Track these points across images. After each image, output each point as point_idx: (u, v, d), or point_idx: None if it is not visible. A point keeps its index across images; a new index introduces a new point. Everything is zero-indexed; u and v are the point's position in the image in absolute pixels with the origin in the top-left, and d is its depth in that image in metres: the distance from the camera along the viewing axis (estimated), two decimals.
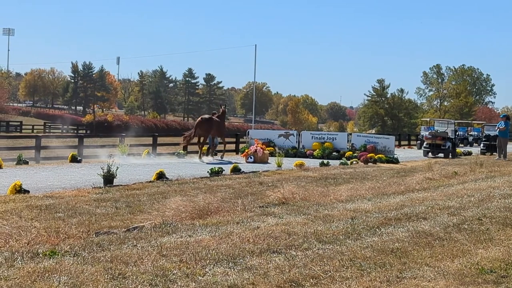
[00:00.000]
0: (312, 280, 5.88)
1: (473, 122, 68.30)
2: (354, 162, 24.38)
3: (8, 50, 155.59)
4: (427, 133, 36.43)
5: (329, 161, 23.57)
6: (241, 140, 32.82)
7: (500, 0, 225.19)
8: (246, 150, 25.30)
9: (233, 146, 31.54)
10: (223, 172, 17.34)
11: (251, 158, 24.24)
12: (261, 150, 24.61)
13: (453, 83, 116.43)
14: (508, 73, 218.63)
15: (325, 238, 7.64)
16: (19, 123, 72.71)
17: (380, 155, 26.32)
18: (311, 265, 6.32)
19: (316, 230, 8.09)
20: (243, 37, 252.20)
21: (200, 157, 24.38)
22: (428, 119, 55.06)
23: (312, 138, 30.23)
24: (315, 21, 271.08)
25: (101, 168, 14.30)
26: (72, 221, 9.19)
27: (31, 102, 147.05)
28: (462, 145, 46.26)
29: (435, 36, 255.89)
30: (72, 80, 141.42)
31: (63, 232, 8.14)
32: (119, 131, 57.55)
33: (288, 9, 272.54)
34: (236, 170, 18.21)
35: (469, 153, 34.48)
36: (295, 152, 28.47)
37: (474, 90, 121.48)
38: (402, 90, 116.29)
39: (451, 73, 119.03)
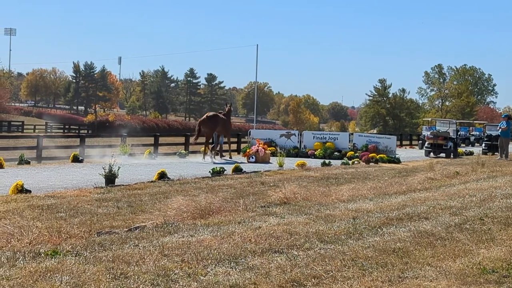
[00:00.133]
0: (314, 280, 5.88)
1: (474, 122, 68.29)
2: (355, 162, 24.37)
3: (10, 50, 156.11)
4: (428, 133, 36.41)
5: (331, 161, 23.57)
6: (242, 140, 32.83)
7: (502, 0, 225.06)
8: (248, 150, 25.30)
9: (234, 146, 31.54)
10: (225, 172, 17.35)
11: (252, 158, 24.23)
12: (263, 150, 24.61)
13: (454, 83, 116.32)
14: (509, 73, 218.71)
15: (327, 238, 7.64)
16: (20, 123, 72.71)
17: (381, 155, 26.31)
18: (313, 265, 6.32)
19: (318, 230, 8.08)
20: (245, 37, 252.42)
21: (203, 157, 24.34)
22: (429, 119, 55.04)
23: (313, 138, 30.22)
24: (316, 21, 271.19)
25: (103, 168, 14.31)
26: (74, 221, 9.19)
27: (33, 102, 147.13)
28: (464, 145, 46.24)
29: (436, 36, 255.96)
30: (74, 80, 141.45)
31: (65, 232, 8.15)
32: (121, 131, 57.63)
33: (290, 9, 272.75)
34: (237, 170, 18.21)
35: (471, 153, 34.47)
36: (296, 152, 28.47)
37: (476, 90, 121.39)
38: (403, 90, 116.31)
39: (453, 73, 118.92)
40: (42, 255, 6.41)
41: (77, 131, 69.55)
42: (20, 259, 6.21)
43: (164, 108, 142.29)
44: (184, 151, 26.54)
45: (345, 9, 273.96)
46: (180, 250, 6.76)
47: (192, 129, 72.26)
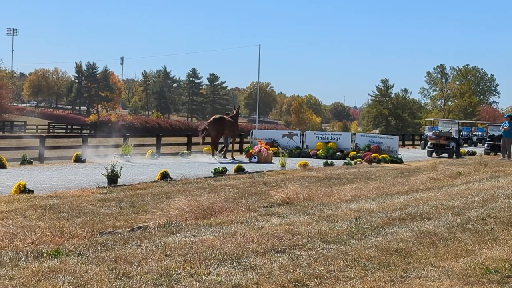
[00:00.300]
0: (316, 280, 5.88)
1: (477, 122, 68.33)
2: (358, 162, 24.38)
3: (12, 50, 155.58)
4: (431, 133, 36.44)
5: (333, 161, 23.58)
6: (245, 140, 32.83)
7: (505, 0, 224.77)
8: (250, 150, 25.32)
9: (237, 146, 31.56)
10: (227, 172, 17.35)
11: (255, 158, 24.25)
12: (265, 150, 24.62)
13: (457, 83, 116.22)
14: None
15: (329, 238, 7.64)
16: (23, 123, 72.70)
17: (384, 155, 26.32)
18: (315, 265, 6.32)
19: (320, 230, 8.08)
20: (247, 37, 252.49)
21: (213, 155, 24.68)
22: (432, 119, 55.04)
23: (316, 138, 30.25)
24: (318, 21, 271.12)
25: (105, 168, 14.32)
26: (76, 221, 9.20)
27: (35, 102, 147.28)
28: (466, 145, 46.24)
29: (439, 36, 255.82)
30: (76, 80, 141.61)
31: (67, 232, 8.15)
32: (123, 131, 57.63)
33: (292, 9, 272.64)
34: (240, 170, 18.21)
35: (473, 153, 34.48)
36: (299, 152, 28.49)
37: (478, 90, 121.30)
38: (406, 90, 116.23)
39: (455, 73, 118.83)
40: (45, 255, 6.41)
41: (79, 131, 69.59)
42: (22, 259, 6.22)
43: (166, 108, 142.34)
44: (186, 151, 26.57)
45: (347, 9, 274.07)
46: (183, 250, 6.76)
47: (194, 129, 72.56)
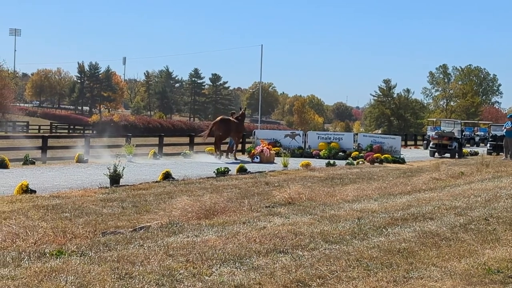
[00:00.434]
0: (319, 280, 5.88)
1: (479, 122, 68.23)
2: (360, 162, 24.37)
3: (15, 50, 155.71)
4: (433, 133, 36.42)
5: (335, 161, 23.57)
6: (247, 140, 32.85)
7: (508, 0, 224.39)
8: (252, 150, 25.32)
9: (239, 146, 31.58)
10: (229, 172, 17.35)
11: (257, 158, 24.26)
12: (267, 150, 24.63)
13: (459, 83, 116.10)
14: None
15: (332, 238, 7.64)
16: (25, 123, 72.84)
17: (386, 155, 26.29)
18: (317, 265, 6.32)
19: (323, 230, 8.08)
20: (249, 37, 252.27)
21: (220, 157, 24.85)
22: (434, 119, 55.01)
23: (318, 138, 30.24)
24: (321, 21, 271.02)
25: (108, 168, 14.33)
26: (79, 221, 9.21)
27: (38, 102, 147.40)
28: (469, 145, 46.20)
29: (441, 36, 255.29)
30: (79, 81, 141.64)
31: (69, 232, 8.16)
32: (125, 131, 57.62)
33: (294, 9, 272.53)
34: (242, 170, 18.22)
35: (476, 153, 34.42)
36: (301, 152, 28.48)
37: (481, 90, 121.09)
38: (408, 90, 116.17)
39: (458, 73, 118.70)
40: (47, 255, 6.42)
41: (81, 131, 69.67)
42: (25, 259, 6.22)
43: (168, 108, 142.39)
44: (188, 151, 26.58)
45: (350, 9, 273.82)
46: (185, 250, 6.77)
47: (197, 129, 72.62)
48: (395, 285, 5.82)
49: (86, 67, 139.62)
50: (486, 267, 6.49)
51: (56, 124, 78.81)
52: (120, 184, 14.10)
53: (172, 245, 7.00)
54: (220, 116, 27.23)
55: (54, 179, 15.41)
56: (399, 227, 8.57)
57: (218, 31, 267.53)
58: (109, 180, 14.25)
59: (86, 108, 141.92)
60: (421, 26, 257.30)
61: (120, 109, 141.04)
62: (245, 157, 26.55)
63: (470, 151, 35.96)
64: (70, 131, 70.63)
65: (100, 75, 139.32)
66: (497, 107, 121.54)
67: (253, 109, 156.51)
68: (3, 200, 11.17)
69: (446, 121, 45.86)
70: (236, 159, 25.46)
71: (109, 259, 6.27)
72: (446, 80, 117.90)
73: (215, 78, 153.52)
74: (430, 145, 33.38)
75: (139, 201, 11.57)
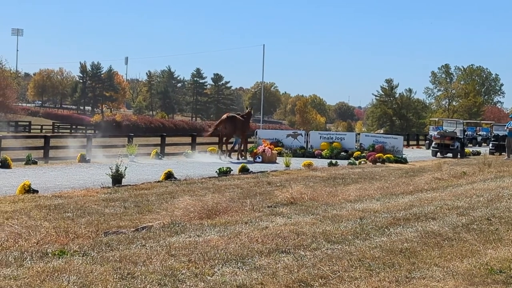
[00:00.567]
0: (321, 280, 5.87)
1: (481, 122, 68.18)
2: (362, 162, 24.37)
3: (17, 50, 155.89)
4: (435, 133, 36.38)
5: (338, 161, 23.56)
6: (249, 140, 32.84)
7: (509, 0, 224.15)
8: (255, 150, 25.32)
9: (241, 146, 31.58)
10: (231, 172, 17.36)
11: (259, 158, 24.26)
12: (269, 150, 24.64)
13: (461, 83, 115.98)
14: None
15: (334, 238, 7.63)
16: (28, 123, 72.82)
17: (388, 155, 26.29)
18: (319, 265, 6.32)
19: (325, 230, 8.08)
20: (251, 37, 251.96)
21: (224, 155, 24.91)
22: (436, 119, 54.98)
23: (320, 138, 30.24)
24: (323, 21, 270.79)
25: (110, 168, 14.34)
26: (81, 221, 9.22)
27: (40, 102, 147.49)
28: (471, 145, 46.17)
29: (443, 36, 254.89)
30: (81, 80, 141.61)
31: (72, 232, 8.17)
32: (128, 131, 57.65)
33: (296, 9, 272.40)
34: (244, 170, 18.23)
35: (478, 153, 34.40)
36: (303, 152, 28.48)
37: (483, 90, 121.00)
38: (410, 90, 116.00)
39: (460, 73, 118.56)
40: (50, 255, 6.43)
41: (84, 131, 69.68)
42: (27, 259, 6.23)
43: (170, 108, 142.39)
44: (190, 151, 26.58)
45: (352, 9, 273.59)
46: (187, 250, 6.77)
47: (199, 129, 72.58)
48: (397, 285, 5.82)
49: (88, 67, 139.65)
50: (489, 267, 6.48)
51: (58, 124, 78.75)
52: (122, 184, 14.11)
53: (174, 245, 7.01)
54: (226, 114, 27.20)
55: (56, 179, 15.42)
56: (401, 227, 8.56)
57: (220, 31, 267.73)
58: (111, 180, 14.26)
59: (88, 108, 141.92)
60: (423, 25, 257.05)
61: (122, 109, 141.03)
62: (247, 157, 26.53)
63: (472, 151, 35.92)
64: (72, 131, 70.60)
65: (102, 75, 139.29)
66: (499, 107, 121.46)
67: (255, 109, 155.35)
68: (6, 200, 11.19)
69: (448, 121, 45.82)
70: (246, 158, 25.42)
71: (111, 259, 6.27)
72: (448, 80, 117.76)
73: (217, 78, 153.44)
74: (432, 145, 33.37)
75: (141, 201, 11.58)
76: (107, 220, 9.46)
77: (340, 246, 7.26)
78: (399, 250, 7.12)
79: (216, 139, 28.99)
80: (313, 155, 27.81)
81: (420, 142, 50.56)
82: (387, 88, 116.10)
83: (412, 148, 43.59)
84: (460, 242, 7.73)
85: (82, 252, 6.58)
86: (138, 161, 22.30)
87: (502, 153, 32.03)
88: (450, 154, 31.49)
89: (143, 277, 5.67)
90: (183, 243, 7.14)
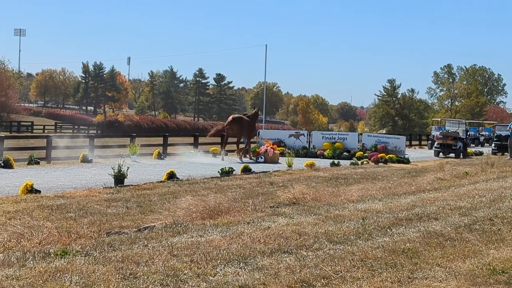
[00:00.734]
0: (323, 280, 5.87)
1: (484, 122, 68.12)
2: (364, 162, 24.36)
3: (20, 50, 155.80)
4: (438, 133, 36.37)
5: (340, 161, 23.56)
6: (251, 140, 32.85)
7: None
8: (257, 150, 25.31)
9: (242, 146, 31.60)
10: (234, 172, 17.35)
11: (261, 158, 24.27)
12: (272, 150, 24.63)
13: (464, 83, 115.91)
14: None
15: (336, 239, 7.63)
16: (30, 123, 72.89)
17: (390, 155, 26.28)
18: (322, 265, 6.32)
19: (327, 230, 8.08)
20: (253, 37, 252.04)
21: (241, 157, 25.06)
22: (439, 119, 54.97)
23: (322, 138, 30.24)
24: (325, 21, 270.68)
25: (112, 168, 14.35)
26: (83, 221, 9.23)
27: (42, 102, 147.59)
28: (473, 145, 46.15)
29: (446, 36, 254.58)
30: (83, 81, 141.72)
31: (74, 232, 8.18)
32: (130, 131, 57.68)
33: (298, 9, 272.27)
34: (246, 170, 18.22)
35: (480, 153, 34.40)
36: (305, 152, 28.49)
37: (486, 90, 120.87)
38: (412, 90, 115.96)
39: (462, 73, 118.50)
40: (52, 255, 6.43)
41: (86, 131, 69.74)
42: (30, 259, 6.24)
43: (173, 108, 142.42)
44: (193, 151, 26.59)
45: (354, 9, 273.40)
46: (189, 250, 6.77)
47: (201, 129, 72.64)
48: (399, 285, 5.82)
49: (91, 67, 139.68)
50: (491, 268, 6.48)
51: (60, 124, 78.91)
52: (125, 184, 14.12)
53: (177, 245, 7.01)
54: (232, 115, 27.20)
55: (58, 179, 15.44)
56: (404, 227, 8.56)
57: (222, 31, 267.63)
58: (113, 180, 14.27)
59: (90, 108, 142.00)
60: (425, 26, 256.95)
61: (125, 109, 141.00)
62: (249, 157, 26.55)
63: (475, 151, 35.91)
64: (75, 131, 70.70)
65: (104, 75, 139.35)
66: (502, 107, 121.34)
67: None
68: (8, 200, 11.20)
69: (451, 121, 45.79)
70: (251, 158, 25.40)
71: (113, 259, 6.28)
72: (450, 80, 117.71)
73: (220, 78, 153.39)
74: (435, 145, 33.35)
75: (144, 201, 11.59)
76: (109, 220, 9.47)
77: (342, 246, 7.26)
78: (401, 250, 7.11)
79: (218, 139, 29.03)
80: (315, 155, 27.81)
81: (423, 142, 50.56)
82: (389, 88, 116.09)
83: (415, 148, 43.58)
84: (462, 242, 7.73)
85: (84, 252, 6.59)
86: (140, 161, 22.31)
87: (505, 153, 31.99)
88: (452, 154, 31.46)
89: (145, 277, 5.68)
90: (185, 243, 7.14)
